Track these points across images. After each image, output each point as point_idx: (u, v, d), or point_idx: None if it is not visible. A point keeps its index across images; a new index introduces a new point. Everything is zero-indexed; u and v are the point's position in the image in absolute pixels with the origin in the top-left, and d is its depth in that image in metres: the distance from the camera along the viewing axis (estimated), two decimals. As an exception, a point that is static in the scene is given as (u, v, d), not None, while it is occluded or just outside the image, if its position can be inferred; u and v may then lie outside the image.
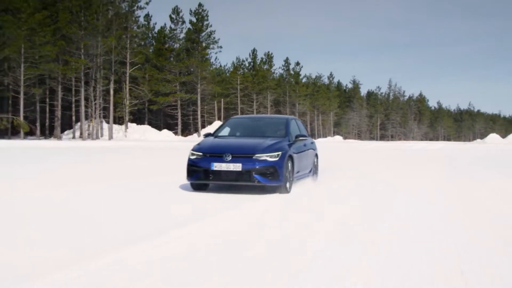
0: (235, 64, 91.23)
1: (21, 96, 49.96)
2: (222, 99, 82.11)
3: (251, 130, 11.61)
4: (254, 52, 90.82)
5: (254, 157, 9.44)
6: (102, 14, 57.90)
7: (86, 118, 59.80)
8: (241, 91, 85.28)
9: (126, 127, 63.50)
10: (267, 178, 9.41)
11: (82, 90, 56.11)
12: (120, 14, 61.29)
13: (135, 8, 64.35)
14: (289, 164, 10.00)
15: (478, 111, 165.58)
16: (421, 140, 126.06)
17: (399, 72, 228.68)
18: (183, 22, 75.81)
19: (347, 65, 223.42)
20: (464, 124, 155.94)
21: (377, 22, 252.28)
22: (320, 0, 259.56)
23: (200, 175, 9.65)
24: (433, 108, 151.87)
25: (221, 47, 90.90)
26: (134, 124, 66.03)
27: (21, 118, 49.44)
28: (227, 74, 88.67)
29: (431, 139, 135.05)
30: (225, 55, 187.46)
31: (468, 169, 18.50)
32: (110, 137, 58.50)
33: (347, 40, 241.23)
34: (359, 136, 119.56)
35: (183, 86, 73.89)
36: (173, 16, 75.50)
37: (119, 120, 67.00)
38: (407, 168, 18.00)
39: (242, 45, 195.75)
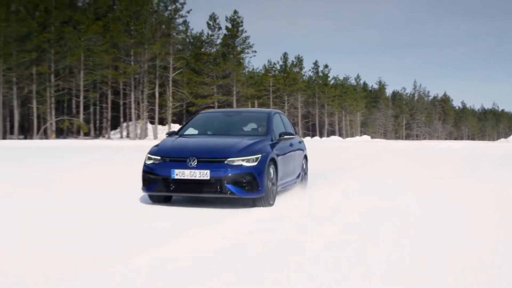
0: (267, 67, 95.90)
1: (81, 100, 55.27)
2: (256, 101, 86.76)
3: (225, 127, 9.57)
4: (285, 55, 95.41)
5: (226, 162, 7.73)
6: (149, 23, 62.96)
7: (132, 119, 64.99)
8: (273, 93, 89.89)
9: (169, 128, 68.49)
10: (243, 189, 7.71)
11: (132, 93, 61.28)
12: (163, 23, 66.29)
13: (177, 16, 69.42)
14: (272, 170, 8.27)
15: (502, 110, 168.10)
16: (446, 139, 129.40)
17: (423, 72, 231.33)
18: (220, 28, 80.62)
19: (372, 66, 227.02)
20: (488, 124, 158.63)
21: (400, 24, 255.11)
22: (345, 7, 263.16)
23: (158, 185, 7.87)
24: (457, 107, 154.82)
25: (255, 51, 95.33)
26: (176, 125, 71.05)
27: (81, 119, 54.77)
28: (259, 76, 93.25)
29: (455, 138, 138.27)
30: (256, 58, 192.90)
31: (485, 164, 20.65)
32: (155, 137, 63.51)
33: (371, 41, 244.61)
34: (385, 136, 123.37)
35: (219, 88, 78.68)
36: (210, 22, 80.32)
37: (162, 121, 72.07)
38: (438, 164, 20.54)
39: (273, 49, 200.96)
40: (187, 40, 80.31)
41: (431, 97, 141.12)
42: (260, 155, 8.01)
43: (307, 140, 71.03)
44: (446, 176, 14.19)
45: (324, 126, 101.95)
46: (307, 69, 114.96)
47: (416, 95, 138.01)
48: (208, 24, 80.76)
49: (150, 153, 8.25)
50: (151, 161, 8.12)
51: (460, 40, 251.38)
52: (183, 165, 7.75)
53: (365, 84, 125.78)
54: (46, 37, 52.25)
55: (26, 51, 49.79)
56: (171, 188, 7.83)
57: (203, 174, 7.67)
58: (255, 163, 7.88)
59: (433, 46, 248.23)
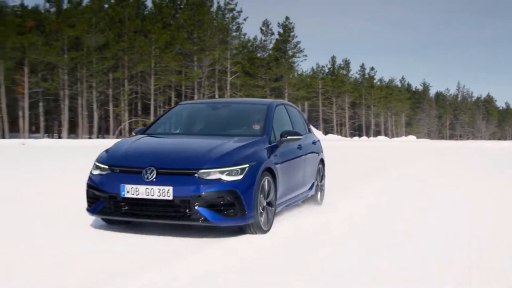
0: (315, 70, 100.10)
1: (152, 103, 60.56)
2: (306, 102, 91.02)
3: (208, 124, 7.39)
4: (333, 58, 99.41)
5: (197, 175, 5.56)
6: (209, 31, 67.85)
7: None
8: (322, 95, 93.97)
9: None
10: (222, 214, 5.57)
11: (195, 96, 66.32)
12: (222, 30, 71.12)
13: (234, 24, 74.20)
14: (268, 184, 6.14)
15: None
16: (489, 139, 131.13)
17: (467, 73, 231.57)
18: (272, 33, 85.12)
19: (416, 67, 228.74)
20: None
21: (444, 25, 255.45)
22: (390, 10, 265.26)
23: (105, 206, 5.77)
24: (501, 108, 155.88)
25: (306, 55, 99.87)
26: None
27: (152, 120, 60.17)
28: (308, 78, 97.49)
29: (499, 139, 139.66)
30: (305, 61, 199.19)
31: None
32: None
33: (416, 43, 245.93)
34: (429, 136, 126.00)
35: (272, 91, 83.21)
36: (263, 28, 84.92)
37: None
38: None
39: (321, 52, 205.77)
40: (242, 45, 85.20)
41: (474, 98, 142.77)
42: (247, 165, 5.74)
43: (355, 140, 74.52)
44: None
45: (370, 126, 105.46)
46: (354, 72, 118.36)
47: (459, 96, 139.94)
48: (261, 29, 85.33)
49: (97, 160, 6.08)
50: (97, 172, 5.95)
51: (504, 40, 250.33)
52: (138, 178, 5.56)
53: (409, 85, 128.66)
54: (121, 46, 57.57)
55: (105, 59, 55.25)
56: (122, 211, 5.66)
57: (164, 192, 5.45)
58: (239, 177, 5.63)
59: (476, 46, 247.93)
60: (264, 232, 6.10)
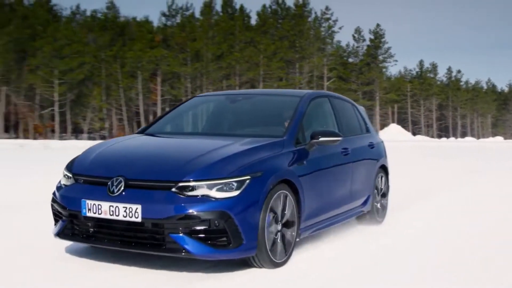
0: (402, 73, 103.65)
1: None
2: (396, 105, 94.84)
3: (221, 121, 6.11)
4: (421, 62, 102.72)
5: (175, 189, 4.16)
6: (308, 40, 73.12)
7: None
8: (410, 97, 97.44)
9: (324, 130, 78.57)
10: (209, 244, 4.15)
11: (297, 101, 71.98)
12: (319, 38, 76.27)
13: (330, 32, 79.18)
14: (283, 201, 4.66)
15: None
16: None
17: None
18: (364, 40, 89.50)
19: (502, 68, 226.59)
20: None
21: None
22: (474, 11, 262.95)
23: (67, 226, 4.51)
24: None
25: (396, 60, 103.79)
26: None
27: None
28: (396, 82, 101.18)
29: None
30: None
31: None
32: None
33: (501, 43, 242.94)
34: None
35: (364, 94, 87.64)
36: (355, 35, 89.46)
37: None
38: None
39: (409, 56, 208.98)
40: (337, 52, 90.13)
41: None
42: (248, 177, 4.29)
43: (443, 141, 77.16)
44: None
45: (456, 127, 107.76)
46: (441, 75, 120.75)
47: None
48: (353, 36, 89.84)
49: (66, 166, 4.86)
50: (63, 181, 4.75)
51: None
52: (102, 192, 4.27)
53: (494, 86, 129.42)
54: (235, 56, 63.79)
55: (221, 68, 61.63)
56: (83, 234, 4.41)
57: (131, 212, 4.11)
58: (235, 193, 4.19)
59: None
60: (277, 265, 4.55)
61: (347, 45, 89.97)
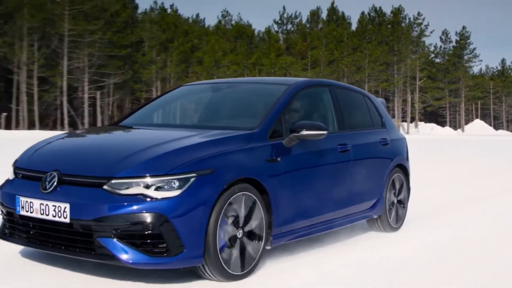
0: (483, 70, 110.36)
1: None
2: (479, 101, 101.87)
3: (197, 112, 5.67)
4: (503, 61, 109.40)
5: (107, 186, 3.66)
6: (404, 44, 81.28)
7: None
8: (493, 94, 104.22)
9: (416, 125, 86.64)
10: (143, 251, 3.62)
11: (396, 99, 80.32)
12: (413, 42, 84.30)
13: (422, 35, 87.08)
14: (243, 207, 4.03)
15: None
16: None
17: None
18: (450, 41, 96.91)
19: None
20: None
21: None
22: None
23: (5, 225, 4.16)
24: None
25: (481, 60, 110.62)
26: (422, 122, 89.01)
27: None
28: (480, 80, 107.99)
29: None
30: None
31: None
32: (407, 132, 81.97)
33: None
34: None
35: (450, 92, 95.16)
36: (442, 37, 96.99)
37: (412, 120, 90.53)
38: None
39: (491, 54, 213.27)
40: (427, 53, 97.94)
41: None
42: (194, 174, 3.70)
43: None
44: None
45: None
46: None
47: None
48: (440, 38, 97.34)
49: (14, 161, 4.43)
50: (9, 176, 4.33)
51: None
52: (35, 188, 3.85)
53: None
54: (345, 61, 72.70)
55: (334, 72, 70.69)
56: (16, 235, 4.02)
57: (60, 211, 3.67)
58: (175, 192, 3.63)
59: None
60: (233, 278, 3.91)
61: (435, 46, 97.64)
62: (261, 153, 4.27)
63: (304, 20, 79.37)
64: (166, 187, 3.62)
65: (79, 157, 4.06)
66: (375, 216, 5.88)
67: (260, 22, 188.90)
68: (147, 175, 3.63)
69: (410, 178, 6.54)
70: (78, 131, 6.04)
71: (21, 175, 4.16)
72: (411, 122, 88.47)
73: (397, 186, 6.22)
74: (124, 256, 3.55)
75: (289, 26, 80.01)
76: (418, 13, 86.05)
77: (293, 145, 4.55)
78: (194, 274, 3.97)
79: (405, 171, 6.37)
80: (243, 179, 4.00)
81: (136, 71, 47.96)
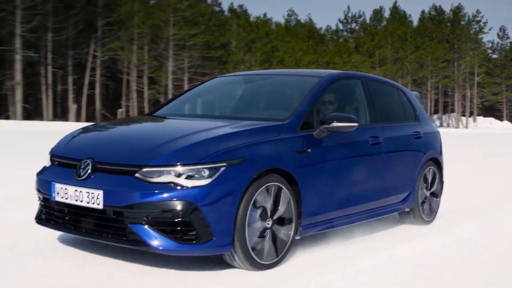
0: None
1: (428, 101, 79.12)
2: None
3: (229, 103, 5.74)
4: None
5: (139, 174, 3.79)
6: (464, 41, 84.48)
7: (446, 112, 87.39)
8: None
9: (474, 120, 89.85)
10: (173, 238, 3.75)
11: (456, 95, 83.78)
12: (472, 39, 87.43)
13: (481, 33, 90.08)
14: (274, 194, 4.13)
15: None
16: None
17: None
18: (508, 37, 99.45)
19: None
20: None
21: None
22: None
23: (42, 211, 4.37)
24: None
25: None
26: (481, 117, 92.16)
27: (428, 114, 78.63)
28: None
29: None
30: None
31: None
32: (466, 126, 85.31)
33: None
34: None
35: (507, 87, 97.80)
36: (500, 33, 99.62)
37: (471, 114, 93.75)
38: None
39: None
40: (485, 49, 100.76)
41: None
42: (224, 164, 3.81)
43: None
44: None
45: None
46: None
47: None
48: (498, 34, 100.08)
49: (51, 149, 4.63)
50: (46, 164, 4.53)
51: None
52: (70, 175, 4.04)
53: None
54: (409, 59, 76.42)
55: (399, 69, 74.60)
56: (53, 220, 4.22)
57: (93, 198, 3.83)
58: (205, 181, 3.75)
59: None
60: (261, 267, 4.03)
61: (492, 43, 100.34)
62: (291, 144, 4.30)
63: (367, 19, 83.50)
64: (196, 175, 3.69)
65: (112, 145, 4.16)
66: (407, 209, 5.86)
67: (321, 20, 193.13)
68: (178, 163, 3.71)
69: (443, 171, 6.48)
70: (113, 121, 6.56)
71: (57, 163, 4.29)
72: (470, 116, 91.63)
73: (430, 180, 6.16)
74: (154, 243, 3.64)
75: (353, 25, 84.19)
76: (477, 11, 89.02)
77: (324, 137, 4.57)
78: (226, 262, 3.99)
79: (438, 165, 6.32)
80: (272, 169, 4.03)
81: (228, 70, 52.97)
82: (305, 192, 4.33)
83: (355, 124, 4.68)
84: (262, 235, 4.03)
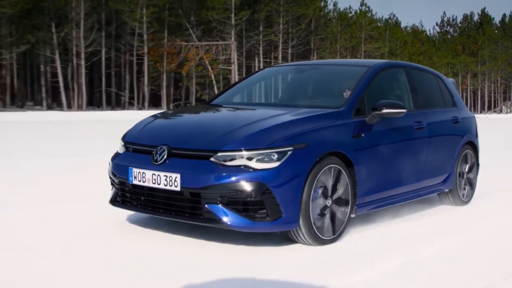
0: None
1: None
2: None
3: (285, 92, 6.28)
4: None
5: (214, 158, 4.17)
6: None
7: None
8: None
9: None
10: (246, 216, 4.13)
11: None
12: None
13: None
14: (334, 175, 4.51)
15: None
16: None
17: None
18: None
19: None
20: None
21: None
22: None
23: (117, 193, 4.78)
24: None
25: None
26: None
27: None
28: None
29: None
30: None
31: None
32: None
33: None
34: None
35: None
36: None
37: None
38: None
39: None
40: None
41: None
42: (291, 148, 4.20)
43: None
44: None
45: None
46: None
47: None
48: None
49: (123, 136, 5.04)
50: (119, 150, 4.96)
51: None
52: (147, 160, 4.43)
53: None
54: (507, 57, 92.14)
55: (496, 65, 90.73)
56: (130, 202, 4.63)
57: (171, 181, 4.23)
58: (275, 164, 4.12)
59: None
60: (323, 242, 4.43)
61: None
62: (347, 130, 4.68)
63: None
64: (266, 159, 4.07)
65: (185, 132, 4.58)
66: (446, 190, 6.19)
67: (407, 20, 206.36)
68: (249, 148, 4.09)
69: (479, 154, 6.82)
70: (179, 109, 7.20)
71: (132, 149, 4.68)
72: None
73: (467, 162, 6.52)
74: (229, 220, 4.03)
75: (448, 28, 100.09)
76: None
77: (375, 122, 4.93)
78: (286, 238, 4.40)
79: (474, 148, 6.66)
80: (331, 152, 4.41)
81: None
82: (360, 174, 4.67)
83: (404, 110, 4.99)
84: (322, 213, 4.38)
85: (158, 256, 4.01)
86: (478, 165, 6.85)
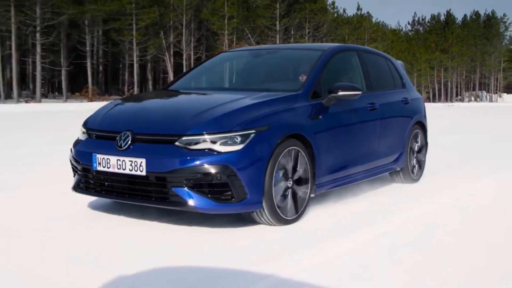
0: None
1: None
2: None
3: (241, 76, 6.35)
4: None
5: (179, 143, 4.26)
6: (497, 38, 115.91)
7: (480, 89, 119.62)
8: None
9: (500, 96, 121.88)
10: (212, 198, 4.22)
11: (492, 77, 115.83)
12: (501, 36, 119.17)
13: (506, 31, 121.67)
14: (294, 157, 4.65)
15: None
16: None
17: None
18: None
19: None
20: None
21: None
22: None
23: (81, 180, 4.78)
24: None
25: None
26: (505, 94, 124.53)
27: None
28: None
29: None
30: None
31: None
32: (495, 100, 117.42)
33: None
34: None
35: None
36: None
37: None
38: None
39: None
40: None
41: None
42: (253, 131, 4.32)
43: None
44: None
45: None
46: None
47: None
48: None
49: (83, 122, 5.07)
50: (80, 137, 4.96)
51: None
52: (111, 146, 4.46)
53: None
54: None
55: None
56: (94, 188, 4.65)
57: (136, 166, 4.27)
58: (239, 146, 4.24)
59: None
60: (286, 222, 4.56)
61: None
62: (305, 112, 4.83)
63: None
64: (229, 142, 4.17)
65: (149, 118, 4.60)
66: (398, 169, 6.48)
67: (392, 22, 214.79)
68: (213, 132, 4.17)
69: (428, 133, 7.17)
70: (137, 95, 7.21)
71: (94, 135, 4.69)
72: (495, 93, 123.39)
73: (417, 141, 6.83)
74: (195, 203, 4.10)
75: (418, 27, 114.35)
76: (504, 14, 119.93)
77: (331, 105, 5.09)
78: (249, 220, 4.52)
79: (423, 128, 6.97)
80: (291, 135, 4.55)
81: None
82: (319, 154, 4.82)
83: (359, 93, 5.18)
84: (284, 194, 4.50)
85: (124, 241, 4.03)
86: (427, 143, 7.16)
